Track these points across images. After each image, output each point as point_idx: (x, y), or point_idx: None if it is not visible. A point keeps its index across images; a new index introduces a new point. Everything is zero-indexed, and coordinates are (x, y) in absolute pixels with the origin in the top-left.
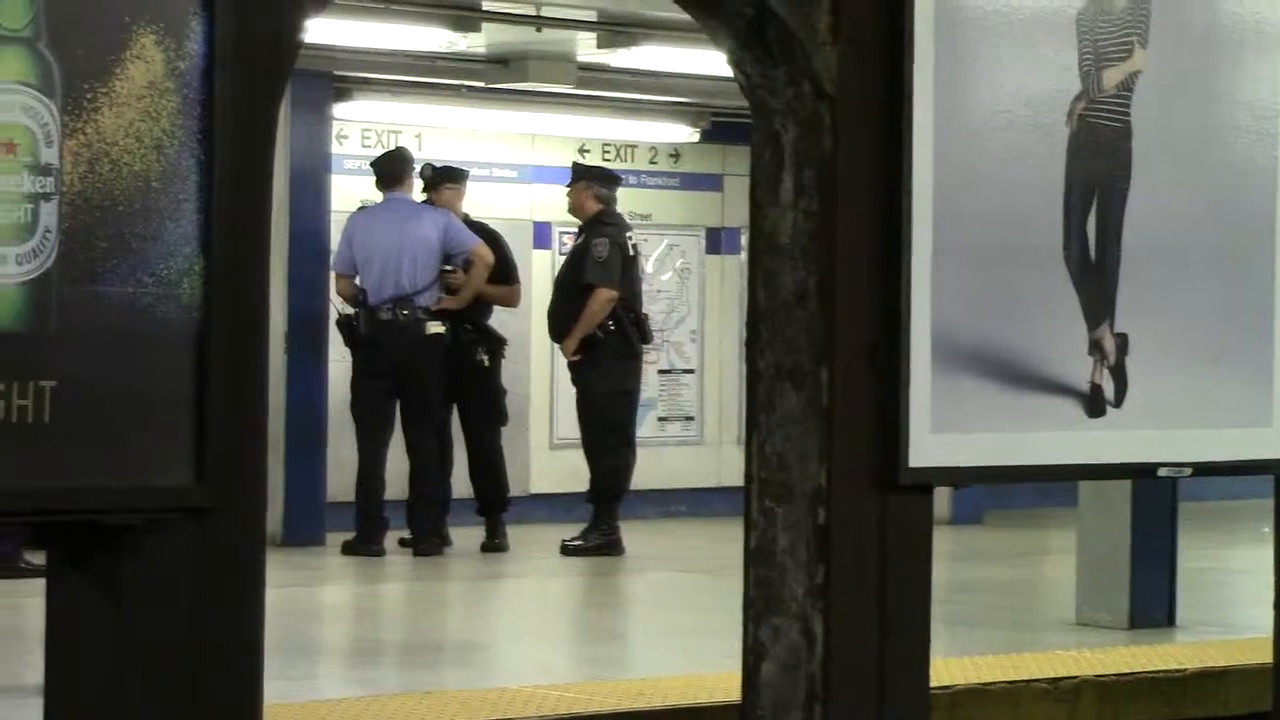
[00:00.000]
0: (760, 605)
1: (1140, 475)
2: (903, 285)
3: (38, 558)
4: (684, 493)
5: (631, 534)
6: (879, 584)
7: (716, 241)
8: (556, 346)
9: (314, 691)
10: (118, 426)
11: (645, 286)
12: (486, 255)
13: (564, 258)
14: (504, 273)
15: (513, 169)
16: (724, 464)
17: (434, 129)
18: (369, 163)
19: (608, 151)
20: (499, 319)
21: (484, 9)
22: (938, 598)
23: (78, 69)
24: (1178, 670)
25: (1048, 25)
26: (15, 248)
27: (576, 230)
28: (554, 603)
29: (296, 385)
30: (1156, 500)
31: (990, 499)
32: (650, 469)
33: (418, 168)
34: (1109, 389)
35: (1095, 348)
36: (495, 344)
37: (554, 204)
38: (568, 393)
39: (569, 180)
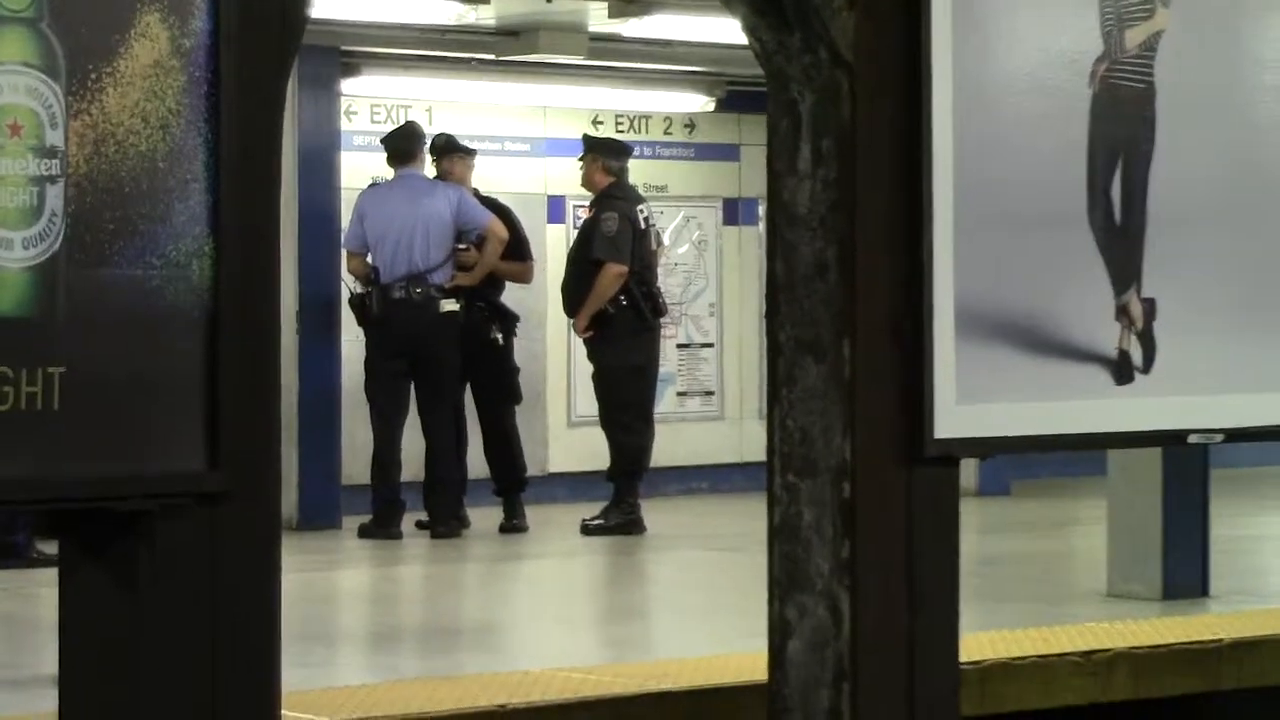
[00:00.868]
0: (785, 583)
1: (1170, 443)
2: (924, 254)
3: (49, 547)
4: (705, 469)
5: (652, 512)
6: (906, 559)
7: (734, 213)
8: (569, 321)
9: (332, 678)
10: (128, 412)
11: (662, 259)
12: (500, 231)
13: (576, 230)
14: (517, 249)
15: (525, 142)
16: (745, 439)
17: (444, 103)
18: (379, 139)
19: (621, 122)
20: (513, 296)
21: None
22: (966, 571)
23: (81, 48)
24: (1213, 641)
25: None
26: (21, 232)
27: (589, 205)
28: (575, 583)
29: (309, 366)
30: (1187, 468)
31: (1017, 469)
32: (670, 445)
33: (428, 143)
34: (1137, 355)
35: (1122, 313)
36: (509, 321)
37: (567, 177)
38: (585, 370)
39: (580, 153)
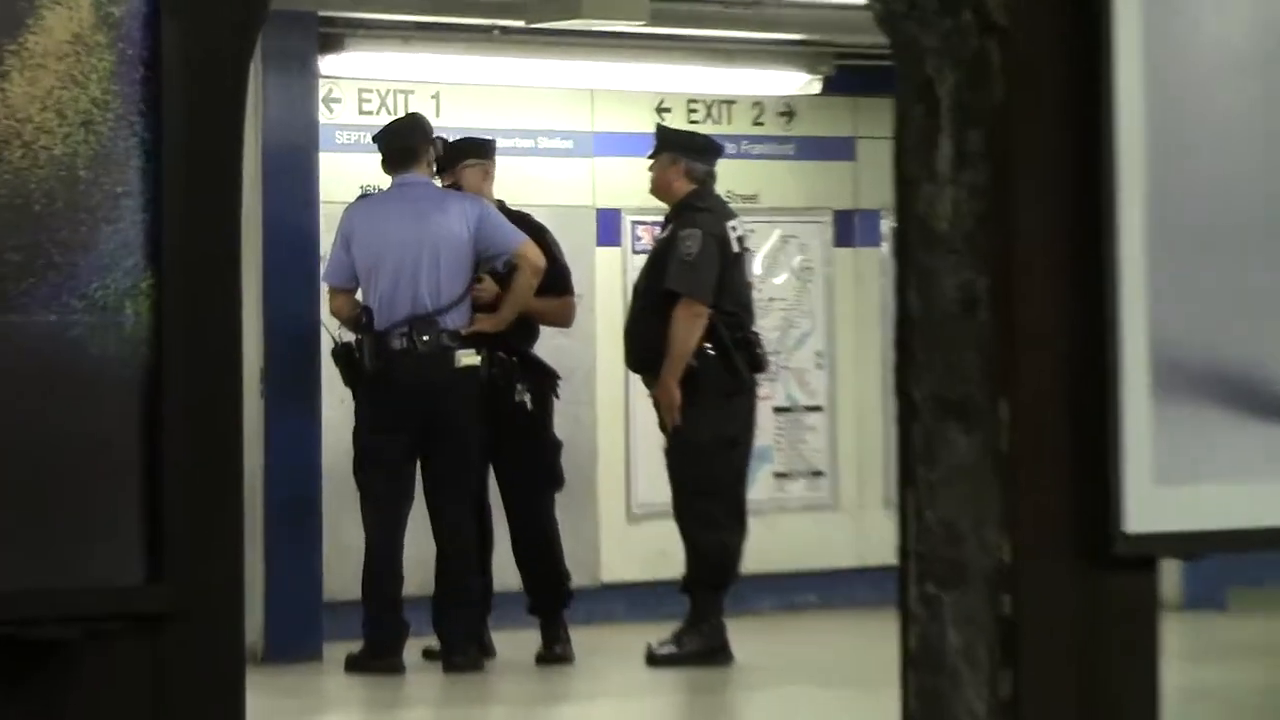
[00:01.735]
0: None
1: None
2: (1107, 284)
3: None
4: (813, 576)
5: (742, 635)
6: (1088, 695)
7: (848, 230)
8: (634, 379)
9: None
10: (42, 505)
11: (754, 294)
12: (535, 258)
13: (643, 257)
14: (556, 281)
15: (565, 138)
16: (867, 536)
17: (456, 88)
18: (371, 136)
19: (695, 110)
20: (551, 344)
21: None
22: (1168, 713)
23: None
24: None
25: None
26: None
27: (662, 220)
28: None
29: (280, 442)
30: None
31: (1235, 574)
32: (766, 544)
33: (436, 141)
34: None
35: None
36: (546, 380)
37: (623, 184)
38: (652, 443)
39: (650, 151)
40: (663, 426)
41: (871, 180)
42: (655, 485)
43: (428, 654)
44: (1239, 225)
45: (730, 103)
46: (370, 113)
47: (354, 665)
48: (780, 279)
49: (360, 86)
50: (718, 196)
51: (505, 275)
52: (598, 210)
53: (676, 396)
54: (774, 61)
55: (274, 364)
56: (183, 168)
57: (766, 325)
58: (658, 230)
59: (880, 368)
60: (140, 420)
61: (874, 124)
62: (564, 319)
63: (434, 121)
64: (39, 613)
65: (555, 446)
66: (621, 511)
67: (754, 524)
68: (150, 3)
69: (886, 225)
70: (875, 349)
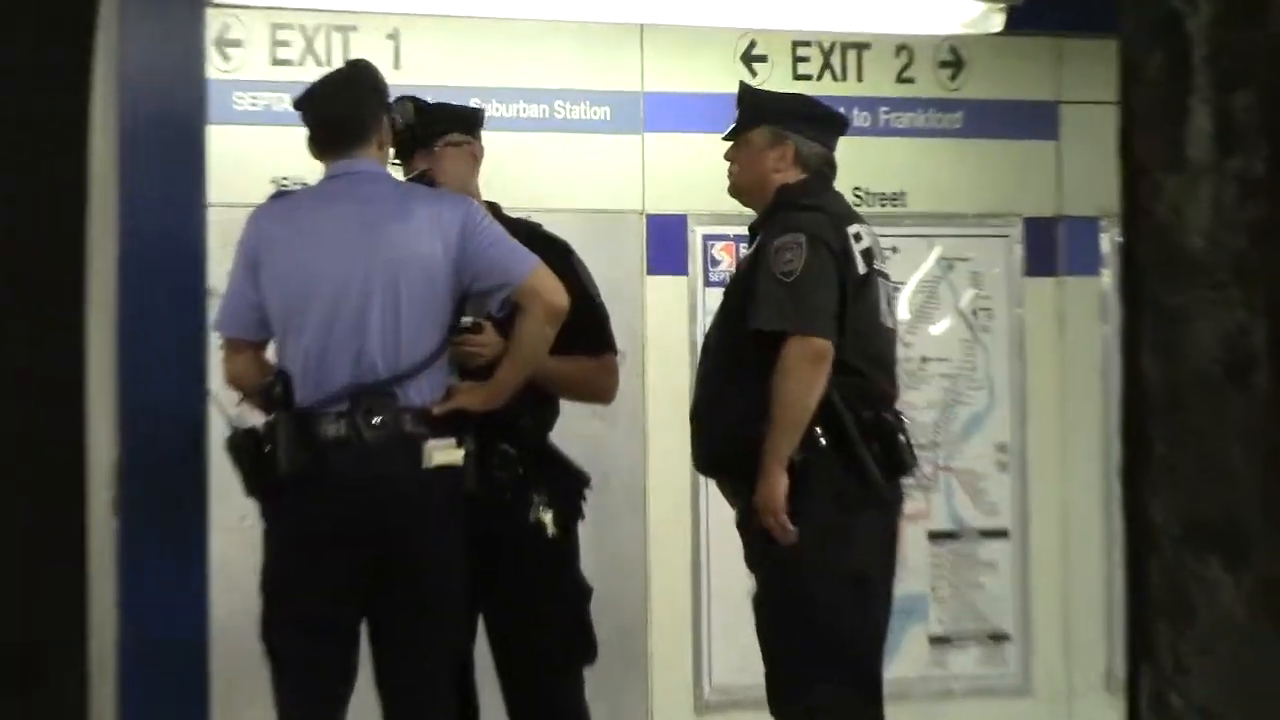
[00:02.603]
0: None
1: None
2: None
3: None
4: None
5: None
6: None
7: (1047, 248)
8: (708, 487)
9: None
10: None
11: (897, 346)
12: (552, 293)
13: (721, 288)
14: (584, 330)
15: (599, 103)
16: None
17: (425, 23)
18: (292, 100)
19: (804, 59)
20: (575, 427)
21: None
22: None
23: None
24: None
25: None
26: None
27: (747, 230)
28: None
29: (142, 588)
30: None
31: None
32: None
33: (397, 110)
34: None
35: None
36: (570, 487)
37: (692, 174)
38: (733, 583)
39: (732, 126)
40: (753, 559)
41: (1084, 170)
42: (739, 656)
43: None
44: None
45: (861, 47)
46: (289, 61)
47: None
48: (939, 326)
49: (274, 21)
50: (835, 192)
51: (505, 321)
52: (649, 218)
53: (782, 497)
54: None
55: (134, 462)
56: None
57: (916, 399)
58: (744, 249)
59: (1100, 470)
60: None
61: (1087, 80)
62: (598, 389)
63: (391, 77)
64: None
65: (584, 594)
66: (687, 699)
67: (898, 712)
68: None
69: (1109, 241)
70: (1092, 439)
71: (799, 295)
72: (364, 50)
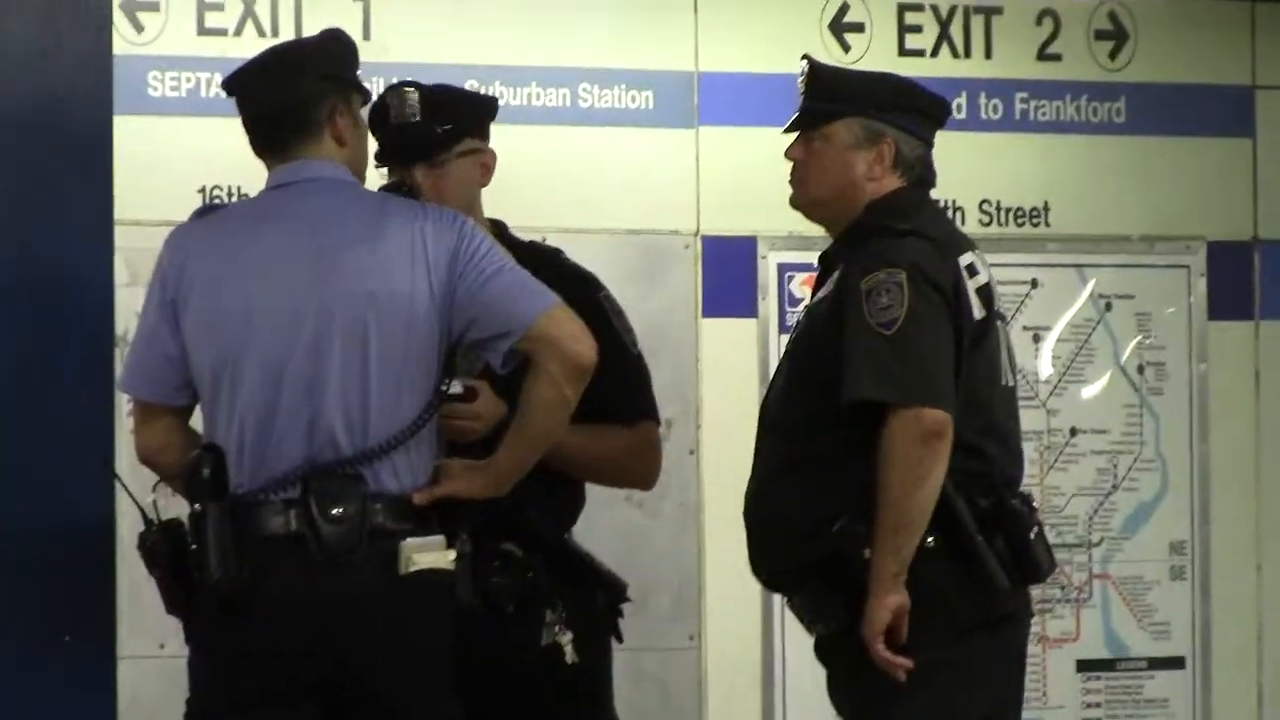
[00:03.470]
0: None
1: None
2: None
3: None
4: None
5: None
6: None
7: (1237, 280)
8: (778, 605)
9: None
10: None
11: (1030, 409)
12: (572, 341)
13: (790, 335)
14: (616, 393)
15: (636, 89)
16: None
17: None
18: (222, 81)
19: (913, 27)
20: (602, 519)
21: None
22: None
23: None
24: None
25: None
26: None
27: (818, 261)
28: None
29: None
30: None
31: None
32: None
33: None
34: None
35: None
36: (595, 600)
37: (762, 183)
38: None
39: (796, 114)
40: (840, 696)
41: None
42: None
43: None
44: None
45: (991, 12)
46: (221, 31)
47: None
48: (1094, 386)
49: None
50: (937, 207)
51: (510, 380)
52: (705, 241)
53: (904, 610)
54: None
55: (16, 570)
56: None
57: (1063, 483)
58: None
59: None
60: None
61: None
62: (634, 470)
63: (364, 49)
64: None
65: None
66: None
67: None
68: None
69: None
70: None
71: (905, 353)
72: (322, 16)
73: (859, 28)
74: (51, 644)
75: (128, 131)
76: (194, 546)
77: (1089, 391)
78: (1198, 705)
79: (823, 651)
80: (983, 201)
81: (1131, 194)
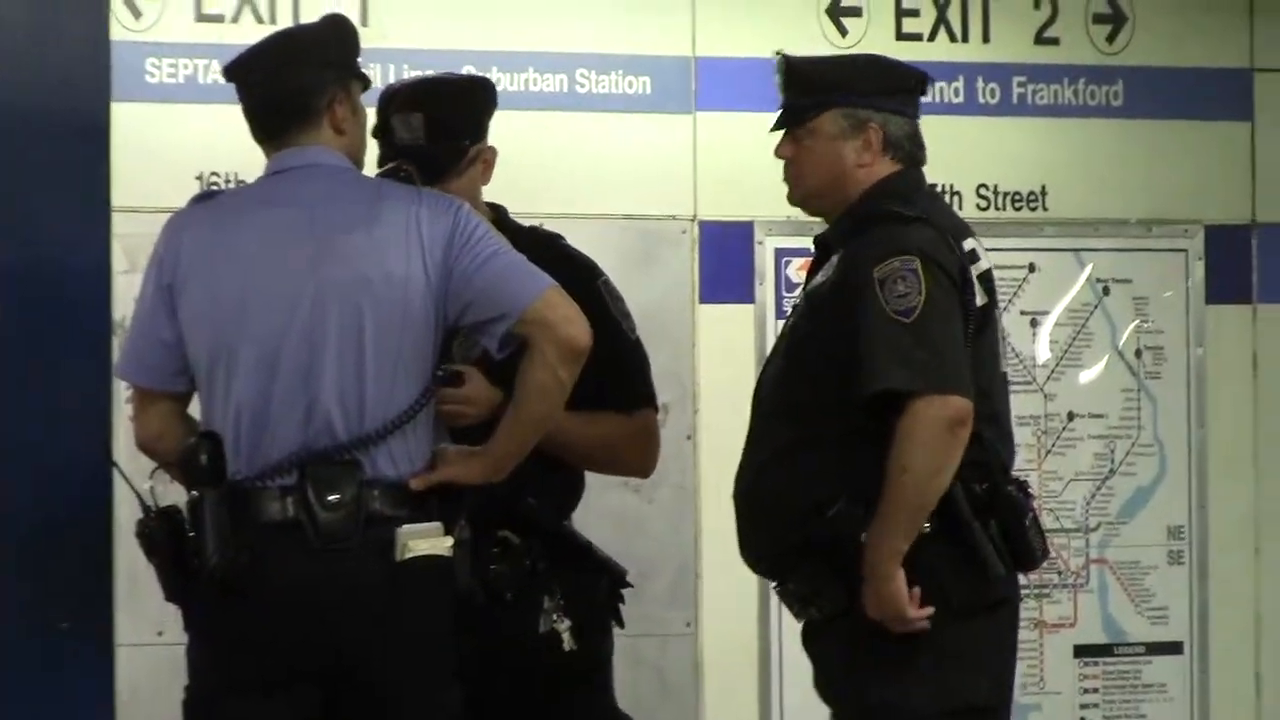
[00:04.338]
0: None
1: None
2: None
3: None
4: None
5: None
6: None
7: (1236, 264)
8: (771, 592)
9: None
10: None
11: (1026, 396)
12: (568, 325)
13: (786, 320)
14: (614, 379)
15: (633, 74)
16: None
17: None
18: (223, 69)
19: (912, 14)
20: (603, 509)
21: None
22: None
23: None
24: None
25: None
26: None
27: (813, 244)
28: None
29: None
30: None
31: None
32: None
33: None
34: None
35: None
36: (598, 587)
37: (760, 169)
38: (816, 717)
39: (780, 112)
40: (828, 686)
41: None
42: None
43: None
44: None
45: None
46: (218, 18)
47: None
48: (1092, 371)
49: None
50: (934, 191)
51: (506, 365)
52: (702, 226)
53: (906, 600)
54: None
55: (16, 556)
56: None
57: (1061, 468)
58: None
59: None
60: None
61: None
62: (632, 457)
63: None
64: None
65: None
66: None
67: None
68: None
69: None
70: None
71: (927, 341)
72: (320, 2)
73: (856, 12)
74: (50, 631)
75: (125, 118)
76: (192, 533)
77: (1086, 376)
78: (1195, 690)
79: (812, 639)
80: (980, 186)
81: (1129, 178)
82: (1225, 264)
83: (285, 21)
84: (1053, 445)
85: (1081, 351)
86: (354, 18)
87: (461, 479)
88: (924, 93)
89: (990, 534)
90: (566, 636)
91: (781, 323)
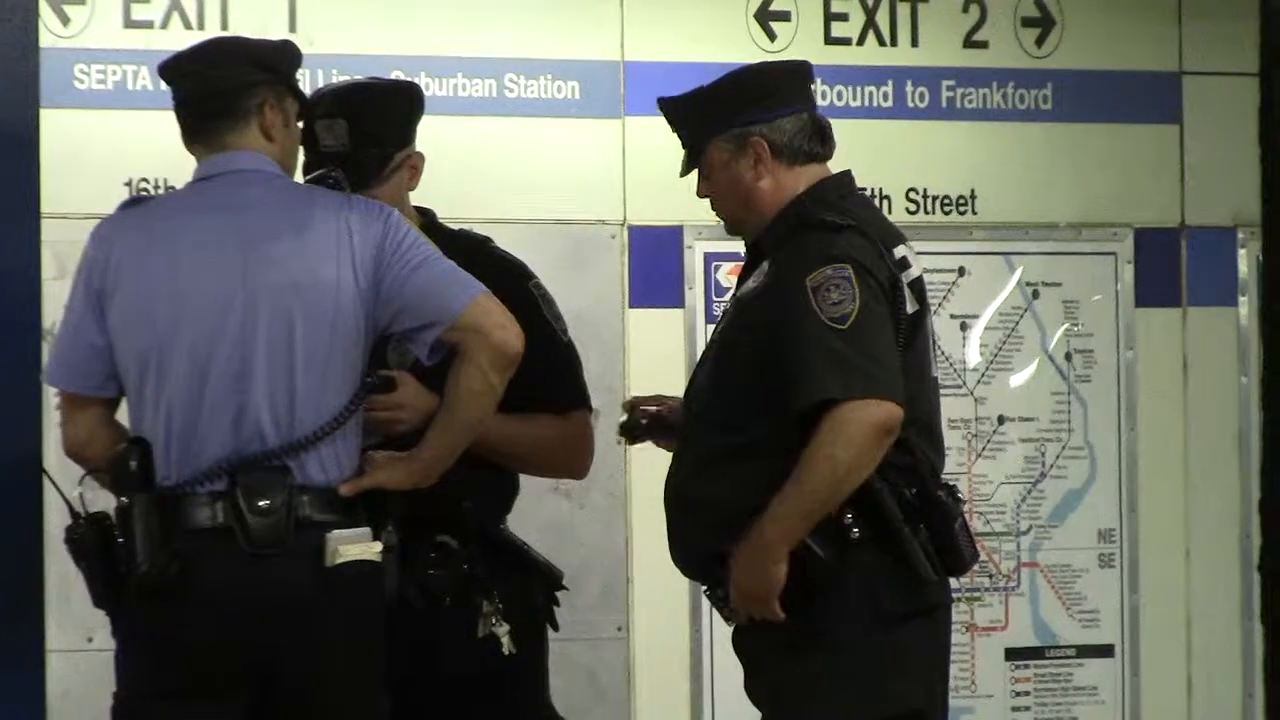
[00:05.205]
0: None
1: None
2: None
3: None
4: None
5: None
6: None
7: (1165, 268)
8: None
9: None
10: None
11: (961, 398)
12: (500, 329)
13: (716, 324)
14: (546, 382)
15: (562, 79)
16: None
17: None
18: (158, 67)
19: (840, 18)
20: (537, 513)
21: None
22: None
23: None
24: None
25: None
26: None
27: (745, 244)
28: None
29: None
30: None
31: None
32: None
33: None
34: None
35: None
36: (531, 589)
37: (686, 176)
38: (745, 716)
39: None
40: (758, 690)
41: (1215, 165)
42: None
43: None
44: None
45: (917, 0)
46: (147, 24)
47: None
48: (1022, 374)
49: None
50: (865, 196)
51: (438, 370)
52: (632, 231)
53: (779, 581)
54: None
55: None
56: None
57: (990, 471)
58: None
59: (1237, 565)
60: None
61: (1220, 44)
62: (565, 459)
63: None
64: None
65: None
66: None
67: None
68: None
69: (1248, 260)
70: (1226, 524)
71: (862, 348)
72: (249, 8)
73: (785, 16)
74: None
75: (54, 124)
76: (121, 539)
77: (1017, 379)
78: (1126, 693)
79: (743, 642)
80: (910, 190)
81: (1059, 181)
82: (1155, 267)
83: (214, 27)
84: (983, 449)
85: (1012, 355)
86: (282, 22)
87: (390, 484)
88: (806, 80)
89: (920, 539)
90: (506, 640)
91: (712, 327)
